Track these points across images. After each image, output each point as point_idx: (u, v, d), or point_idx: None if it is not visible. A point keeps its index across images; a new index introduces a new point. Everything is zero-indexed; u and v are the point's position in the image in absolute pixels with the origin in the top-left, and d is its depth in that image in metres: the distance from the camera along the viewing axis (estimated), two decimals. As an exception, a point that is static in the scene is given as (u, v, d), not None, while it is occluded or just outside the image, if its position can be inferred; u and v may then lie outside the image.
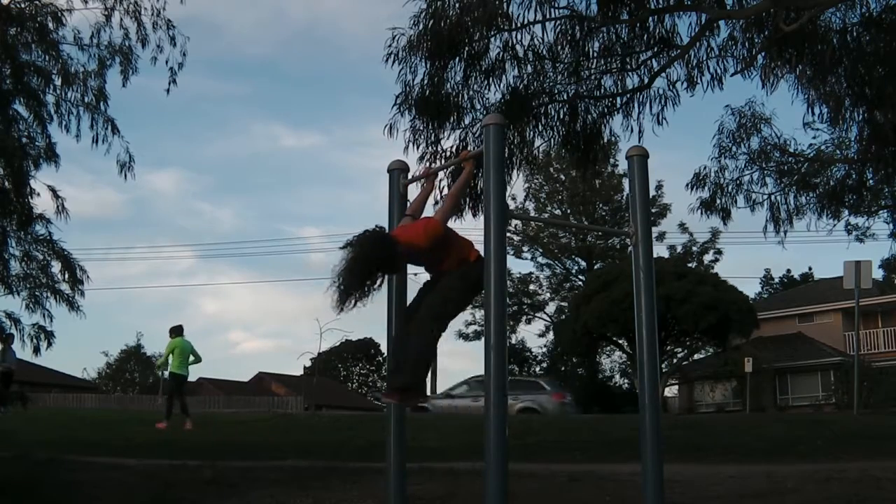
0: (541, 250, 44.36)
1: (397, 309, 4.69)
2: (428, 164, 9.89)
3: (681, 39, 10.76)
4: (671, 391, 39.57)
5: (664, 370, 33.07)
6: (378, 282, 4.25)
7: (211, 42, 77.33)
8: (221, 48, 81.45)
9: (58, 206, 11.16)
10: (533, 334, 69.23)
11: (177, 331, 14.92)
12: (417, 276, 4.92)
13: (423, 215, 4.76)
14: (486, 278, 4.02)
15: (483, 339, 4.06)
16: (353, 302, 4.20)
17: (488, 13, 9.54)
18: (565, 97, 10.95)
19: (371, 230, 4.27)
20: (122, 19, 11.09)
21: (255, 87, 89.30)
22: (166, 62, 11.22)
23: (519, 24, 10.10)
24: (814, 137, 13.72)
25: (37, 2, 10.76)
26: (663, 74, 10.88)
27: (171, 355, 14.80)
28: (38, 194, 10.99)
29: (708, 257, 41.92)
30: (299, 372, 51.32)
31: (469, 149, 9.75)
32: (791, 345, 36.48)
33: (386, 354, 5.44)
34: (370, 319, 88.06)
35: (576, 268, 45.15)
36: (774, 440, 11.63)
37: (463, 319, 42.55)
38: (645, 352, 4.45)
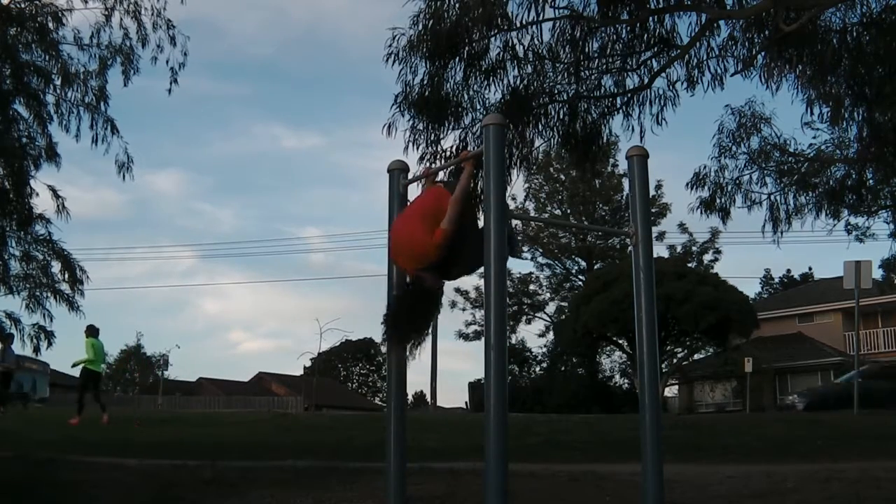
0: (541, 250, 44.35)
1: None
2: (428, 164, 9.89)
3: (681, 39, 10.77)
4: (671, 391, 39.58)
5: (664, 370, 33.06)
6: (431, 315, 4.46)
7: (212, 43, 77.43)
8: (223, 49, 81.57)
9: (58, 206, 11.18)
10: (533, 334, 69.32)
11: (91, 330, 15.24)
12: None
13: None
14: (486, 278, 4.02)
15: (483, 339, 4.06)
16: (416, 343, 4.52)
17: (488, 13, 9.54)
18: (565, 97, 10.94)
19: (396, 299, 4.50)
20: (122, 19, 11.11)
21: (256, 88, 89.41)
22: (167, 62, 11.24)
23: (519, 25, 10.10)
24: (814, 137, 13.73)
25: (37, 2, 10.76)
26: (663, 74, 10.89)
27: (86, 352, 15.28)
28: (38, 194, 11.01)
29: (708, 257, 41.94)
30: (299, 372, 51.38)
31: (469, 149, 9.75)
32: (791, 345, 36.48)
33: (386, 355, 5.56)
34: (370, 319, 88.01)
35: (576, 268, 45.15)
36: (774, 440, 11.63)
37: (463, 319, 42.60)
38: (645, 352, 4.46)
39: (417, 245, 4.39)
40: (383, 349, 4.66)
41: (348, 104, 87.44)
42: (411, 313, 4.37)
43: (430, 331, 4.53)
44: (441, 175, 5.39)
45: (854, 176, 13.89)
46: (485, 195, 4.18)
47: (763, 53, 10.87)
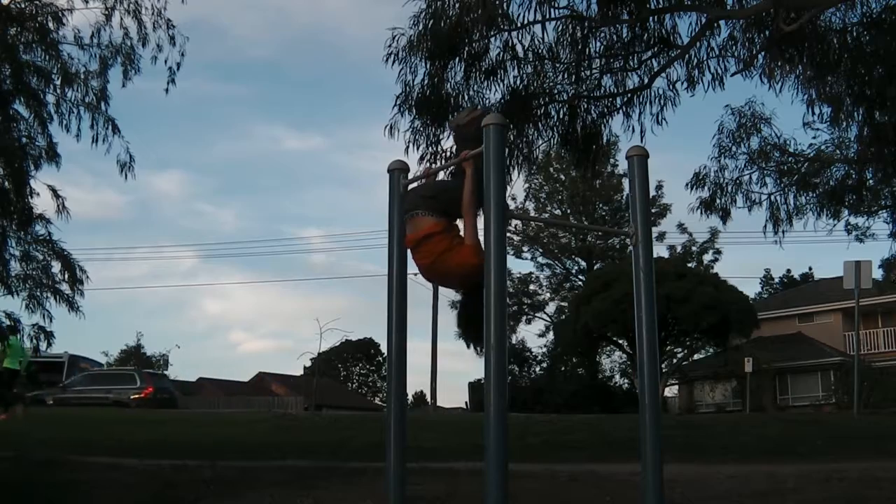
0: (541, 250, 44.37)
1: (398, 309, 4.70)
2: (428, 164, 9.88)
3: (681, 39, 10.77)
4: (671, 391, 39.58)
5: (664, 370, 33.07)
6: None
7: (214, 44, 77.33)
8: (225, 51, 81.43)
9: (58, 206, 11.12)
10: (533, 334, 69.28)
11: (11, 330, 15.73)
12: (417, 276, 4.92)
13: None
14: (486, 278, 4.02)
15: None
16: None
17: (488, 13, 9.53)
18: (565, 97, 10.94)
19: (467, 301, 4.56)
20: (122, 19, 11.06)
21: (258, 89, 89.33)
22: (165, 61, 11.18)
23: (519, 25, 10.10)
24: (814, 137, 13.72)
25: (37, 2, 10.74)
26: (663, 74, 10.89)
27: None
28: (38, 194, 10.96)
29: (707, 257, 41.96)
30: (299, 372, 51.38)
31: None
32: (791, 345, 36.48)
33: (386, 355, 5.57)
34: (370, 320, 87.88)
35: (576, 268, 45.17)
36: (774, 440, 11.63)
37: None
38: (645, 352, 4.45)
39: (460, 270, 4.47)
40: (471, 349, 4.74)
41: (349, 105, 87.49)
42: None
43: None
44: (441, 175, 5.38)
45: (854, 176, 13.88)
46: (485, 195, 4.18)
47: (763, 53, 10.87)
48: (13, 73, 10.44)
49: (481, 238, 4.30)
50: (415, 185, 4.96)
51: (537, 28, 10.22)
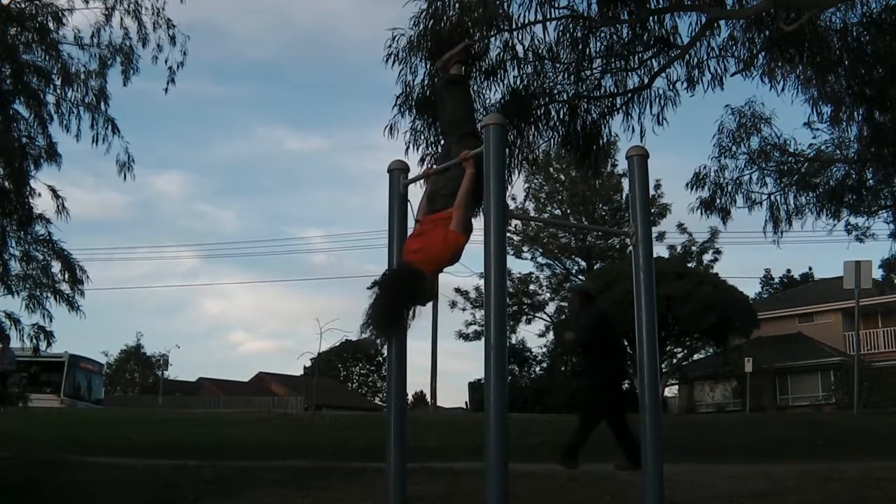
0: (541, 250, 44.36)
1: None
2: (429, 165, 9.86)
3: (681, 39, 10.75)
4: (671, 391, 39.59)
5: (664, 370, 33.06)
6: (413, 313, 4.60)
7: (215, 46, 77.47)
8: (225, 52, 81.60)
9: (58, 206, 11.11)
10: (533, 334, 69.33)
11: None
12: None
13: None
14: (486, 278, 4.04)
15: (483, 339, 4.07)
16: (391, 334, 4.69)
17: (488, 13, 9.52)
18: (565, 97, 10.93)
19: (396, 270, 4.64)
20: (122, 19, 11.05)
21: (259, 90, 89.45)
22: (166, 61, 11.17)
23: (519, 25, 10.09)
24: (814, 137, 13.69)
25: (37, 2, 10.74)
26: (663, 74, 10.87)
27: None
28: (39, 194, 10.95)
29: (707, 257, 41.95)
30: (299, 372, 51.37)
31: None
32: (791, 345, 36.48)
33: (386, 355, 5.66)
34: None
35: (576, 268, 45.17)
36: (774, 440, 11.63)
37: (463, 319, 42.61)
38: (645, 352, 4.47)
39: (441, 248, 4.60)
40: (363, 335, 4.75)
41: (349, 106, 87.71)
42: (403, 302, 4.57)
43: (409, 324, 4.70)
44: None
45: (854, 176, 13.87)
46: (485, 195, 4.20)
47: (763, 53, 10.87)
48: (13, 73, 10.43)
49: (478, 240, 4.41)
50: (433, 184, 5.07)
51: (537, 28, 10.21)
